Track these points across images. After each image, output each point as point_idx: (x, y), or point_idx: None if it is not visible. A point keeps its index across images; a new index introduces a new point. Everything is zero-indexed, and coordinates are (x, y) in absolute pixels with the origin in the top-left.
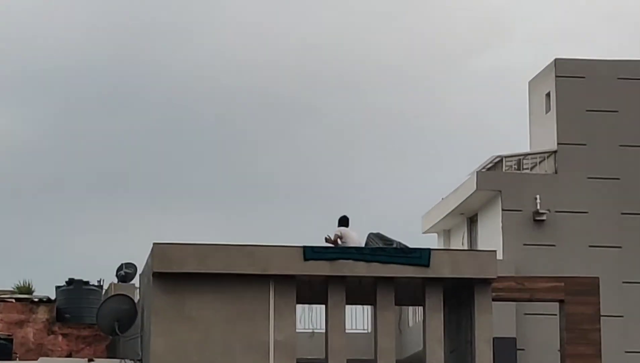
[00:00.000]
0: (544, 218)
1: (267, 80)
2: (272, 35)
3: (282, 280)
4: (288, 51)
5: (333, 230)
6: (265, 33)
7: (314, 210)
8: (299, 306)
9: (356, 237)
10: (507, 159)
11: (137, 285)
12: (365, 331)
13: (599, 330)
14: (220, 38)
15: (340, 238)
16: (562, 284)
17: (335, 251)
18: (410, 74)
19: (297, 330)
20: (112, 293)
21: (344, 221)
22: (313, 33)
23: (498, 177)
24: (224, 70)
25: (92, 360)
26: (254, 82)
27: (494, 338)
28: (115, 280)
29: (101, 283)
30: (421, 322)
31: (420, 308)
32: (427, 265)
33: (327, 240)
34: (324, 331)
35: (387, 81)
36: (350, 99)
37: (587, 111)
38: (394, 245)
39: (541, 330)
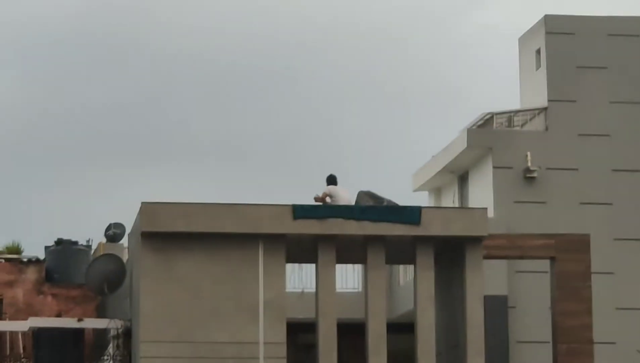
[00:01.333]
0: (534, 175)
1: (250, 41)
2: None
3: (272, 239)
4: (269, 10)
5: (322, 189)
6: None
7: (304, 170)
8: (288, 266)
9: (346, 195)
10: (498, 116)
11: (126, 245)
12: (356, 290)
13: (590, 287)
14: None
15: (330, 196)
16: (553, 241)
17: (325, 209)
18: (399, 34)
19: (286, 290)
20: (101, 254)
21: (332, 180)
22: None
23: (488, 134)
24: (207, 33)
25: (82, 320)
26: (238, 43)
27: (485, 296)
28: (104, 240)
29: (90, 244)
30: (412, 281)
31: (411, 266)
32: (418, 223)
33: (316, 199)
34: (314, 290)
35: (376, 41)
36: (339, 60)
37: (578, 67)
38: (384, 203)
39: (532, 288)
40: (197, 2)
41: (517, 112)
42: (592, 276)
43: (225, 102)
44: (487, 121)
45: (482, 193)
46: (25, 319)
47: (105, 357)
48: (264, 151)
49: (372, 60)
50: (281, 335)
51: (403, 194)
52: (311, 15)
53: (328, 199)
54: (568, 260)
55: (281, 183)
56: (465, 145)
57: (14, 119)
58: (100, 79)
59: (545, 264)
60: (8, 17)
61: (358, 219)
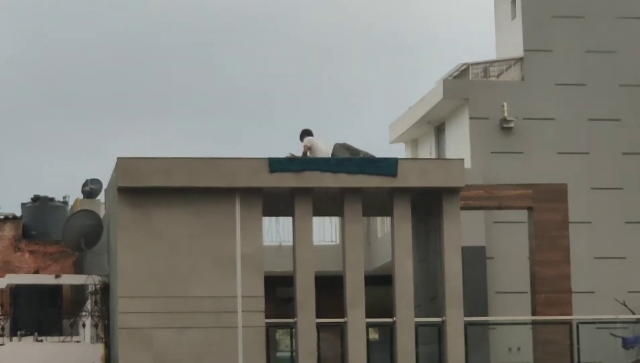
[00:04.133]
0: (511, 125)
1: None
2: None
3: (248, 193)
4: None
5: (298, 144)
6: None
7: (280, 122)
8: (265, 219)
9: (324, 147)
10: (474, 66)
11: (103, 201)
12: (333, 243)
13: (568, 236)
14: None
15: (310, 148)
16: (530, 191)
17: (301, 162)
18: None
19: (264, 244)
20: (78, 210)
21: (307, 133)
22: None
23: (465, 85)
24: None
25: (59, 276)
26: None
27: (462, 247)
28: (81, 196)
29: (66, 200)
30: (389, 233)
31: (388, 218)
32: (395, 175)
33: (291, 158)
34: (291, 244)
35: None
36: (314, 11)
37: (553, 17)
38: (361, 155)
39: (510, 238)
40: None
41: (493, 62)
42: (570, 225)
43: (204, 55)
44: (463, 72)
45: (458, 143)
46: (3, 276)
47: (84, 313)
48: (242, 104)
49: (348, 12)
50: (259, 289)
51: (380, 146)
52: None
53: (308, 153)
54: (545, 210)
55: (258, 136)
56: (442, 96)
57: None
58: (74, 35)
59: (522, 214)
60: None
61: (335, 171)
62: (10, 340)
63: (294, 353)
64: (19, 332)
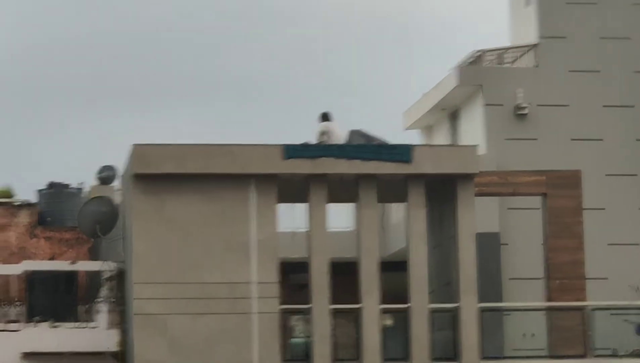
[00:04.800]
0: (525, 112)
1: None
2: None
3: (263, 179)
4: None
5: (314, 130)
6: None
7: (296, 109)
8: (280, 206)
9: (340, 133)
10: (488, 53)
11: (118, 187)
12: (348, 229)
13: (582, 222)
14: None
15: (326, 133)
16: (544, 178)
17: (316, 149)
18: None
19: (278, 230)
20: (93, 196)
21: (326, 117)
22: None
23: (479, 71)
24: None
25: (75, 263)
26: None
27: (477, 234)
28: (96, 182)
29: (82, 186)
30: (404, 219)
31: (403, 205)
32: (409, 161)
33: (305, 144)
34: (306, 230)
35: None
36: (329, 1)
37: (567, 3)
38: (376, 142)
39: (524, 224)
40: None
41: (507, 49)
42: (584, 212)
43: (219, 42)
44: (477, 59)
45: (473, 130)
46: (19, 262)
47: (99, 299)
48: (258, 90)
49: (362, 1)
50: (274, 275)
51: (394, 133)
52: None
53: (324, 138)
54: (559, 196)
55: (274, 123)
56: (456, 83)
57: (4, 65)
58: (90, 24)
59: (536, 200)
60: None
61: (349, 158)
62: (26, 326)
63: (309, 340)
64: (34, 318)
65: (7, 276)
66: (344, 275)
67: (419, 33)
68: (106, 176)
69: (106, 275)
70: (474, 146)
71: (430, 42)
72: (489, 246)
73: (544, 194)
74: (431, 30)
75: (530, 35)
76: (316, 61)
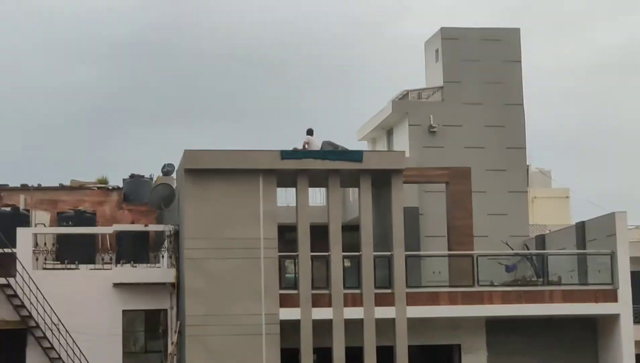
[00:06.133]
0: (435, 130)
1: (253, 41)
2: None
3: (267, 172)
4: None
5: (303, 139)
6: None
7: (289, 129)
8: (278, 189)
9: (317, 143)
10: (412, 92)
11: (175, 177)
12: (322, 204)
13: (471, 201)
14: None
15: (307, 143)
16: (447, 172)
17: (302, 153)
18: (347, 40)
19: (277, 204)
20: (159, 183)
21: (310, 132)
22: None
23: (406, 103)
24: (237, 29)
25: (147, 226)
26: (250, 42)
27: (404, 208)
28: (161, 174)
29: (151, 177)
30: (357, 198)
31: (357, 189)
32: (361, 161)
33: (294, 150)
34: (294, 205)
35: (334, 44)
36: (308, 53)
37: (461, 60)
38: (339, 148)
39: (434, 202)
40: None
41: (424, 89)
42: (472, 194)
43: (245, 80)
44: (405, 95)
45: (401, 141)
46: (111, 225)
47: (162, 249)
48: (265, 113)
49: (329, 59)
50: (274, 233)
51: (351, 143)
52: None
53: (306, 146)
54: (457, 184)
55: (273, 137)
56: (391, 110)
57: (106, 92)
58: (167, 65)
59: (442, 186)
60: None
61: (323, 159)
62: (116, 266)
63: (297, 276)
64: (121, 261)
65: (104, 234)
66: (319, 233)
67: (369, 78)
68: (167, 170)
69: (167, 234)
70: (402, 152)
71: (376, 85)
72: (412, 215)
73: (447, 183)
74: (376, 76)
75: (438, 80)
76: (308, 97)
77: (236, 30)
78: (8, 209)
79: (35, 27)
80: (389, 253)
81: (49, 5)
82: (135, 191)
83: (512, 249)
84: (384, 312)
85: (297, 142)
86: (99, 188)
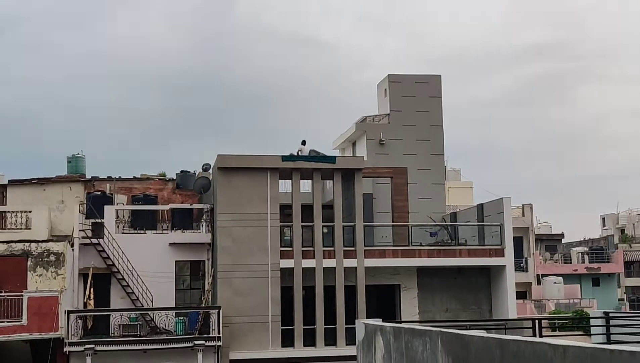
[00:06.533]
0: (384, 142)
1: (266, 70)
2: None
3: (272, 170)
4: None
5: (297, 147)
6: None
7: (286, 139)
8: (280, 181)
9: (306, 150)
10: (369, 117)
11: (211, 172)
12: (309, 191)
13: (407, 190)
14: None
15: (300, 150)
16: (392, 170)
17: (296, 157)
18: (329, 83)
19: (280, 191)
20: (200, 176)
21: (303, 143)
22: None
23: (365, 125)
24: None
25: (192, 204)
26: (264, 82)
27: (363, 194)
28: (201, 170)
29: (195, 172)
30: (332, 186)
31: (331, 181)
32: (334, 163)
33: (291, 155)
34: (291, 191)
35: (322, 85)
36: (300, 92)
37: (402, 96)
38: (321, 155)
39: (384, 190)
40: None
41: (377, 115)
42: (408, 185)
43: (257, 105)
44: (364, 119)
45: (362, 150)
46: (167, 204)
47: (202, 220)
48: (273, 129)
49: (319, 95)
50: (277, 210)
51: (328, 150)
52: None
53: (299, 152)
54: (398, 178)
55: (275, 145)
56: (355, 129)
57: (166, 114)
58: (208, 95)
59: (388, 179)
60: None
61: (310, 161)
62: (171, 231)
63: (292, 238)
64: (174, 228)
65: (163, 210)
66: (308, 211)
67: (339, 109)
68: (206, 167)
69: (205, 210)
70: (362, 157)
71: (344, 113)
72: (368, 200)
73: (391, 177)
74: (345, 106)
75: (386, 109)
76: (304, 119)
77: (255, 74)
78: (99, 193)
79: (119, 67)
80: (353, 224)
81: (128, 52)
82: (184, 182)
83: (434, 221)
84: (349, 262)
85: (293, 149)
86: (160, 179)
